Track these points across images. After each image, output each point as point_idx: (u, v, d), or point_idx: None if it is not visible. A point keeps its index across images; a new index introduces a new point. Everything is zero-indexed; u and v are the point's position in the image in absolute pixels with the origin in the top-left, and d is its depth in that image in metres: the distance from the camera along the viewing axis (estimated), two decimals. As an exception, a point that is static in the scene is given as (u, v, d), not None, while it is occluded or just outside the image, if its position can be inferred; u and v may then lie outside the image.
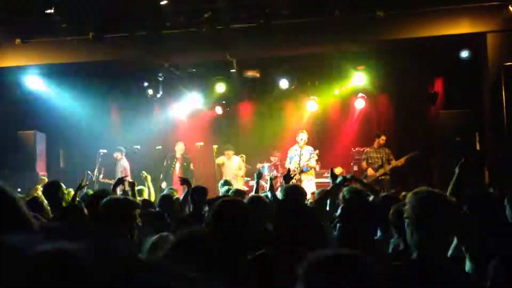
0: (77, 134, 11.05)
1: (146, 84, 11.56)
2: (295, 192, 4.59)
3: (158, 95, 12.07)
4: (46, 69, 9.90)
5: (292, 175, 6.43)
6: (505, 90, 8.01)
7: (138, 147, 10.54)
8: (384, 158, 9.48)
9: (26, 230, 1.46)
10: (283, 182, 5.30)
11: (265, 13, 8.49)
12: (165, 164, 10.39)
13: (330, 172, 4.94)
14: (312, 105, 11.82)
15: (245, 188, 10.30)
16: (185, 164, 10.29)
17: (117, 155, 10.39)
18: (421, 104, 11.56)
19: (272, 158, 10.98)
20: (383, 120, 12.09)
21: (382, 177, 9.42)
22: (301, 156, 9.41)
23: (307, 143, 9.64)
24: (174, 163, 10.25)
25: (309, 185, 8.97)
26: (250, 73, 10.94)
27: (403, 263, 2.36)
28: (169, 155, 10.45)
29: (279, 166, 10.81)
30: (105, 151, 10.22)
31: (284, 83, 11.03)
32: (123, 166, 10.24)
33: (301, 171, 9.35)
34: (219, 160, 10.37)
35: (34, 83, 10.29)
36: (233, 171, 10.31)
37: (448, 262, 2.36)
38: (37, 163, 9.87)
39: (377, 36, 8.85)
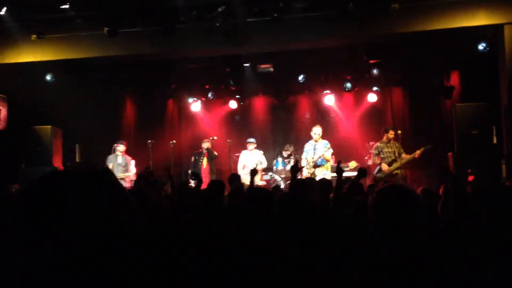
0: (93, 129, 11.14)
1: (160, 78, 11.64)
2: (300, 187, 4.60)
3: (173, 90, 12.16)
4: (62, 64, 9.99)
5: (299, 167, 6.39)
6: (522, 82, 7.89)
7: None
8: (396, 152, 9.41)
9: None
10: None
11: (279, 6, 8.46)
12: (192, 160, 10.78)
13: (336, 166, 4.51)
14: (327, 99, 11.79)
15: (263, 183, 10.36)
16: (211, 157, 10.65)
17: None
18: (437, 98, 11.46)
19: (284, 153, 10.96)
20: (398, 114, 12.00)
21: (396, 171, 9.36)
22: (315, 150, 9.41)
23: (322, 137, 9.60)
24: (202, 159, 10.68)
25: (323, 174, 8.95)
26: (264, 67, 10.94)
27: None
28: (195, 152, 10.80)
29: (292, 160, 10.79)
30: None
31: (298, 77, 11.00)
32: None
33: (315, 165, 9.31)
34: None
35: (50, 78, 10.39)
36: (253, 164, 10.36)
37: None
38: (54, 158, 9.97)
39: (392, 29, 8.76)
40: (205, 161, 10.69)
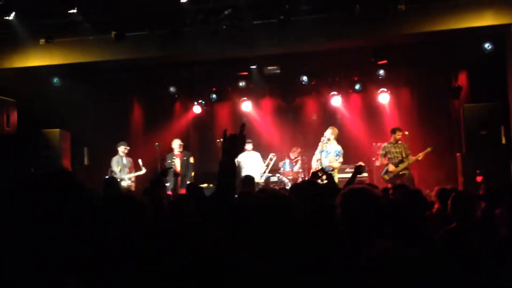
0: (101, 132, 11.20)
1: (167, 81, 11.68)
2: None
3: (180, 93, 12.21)
4: (70, 68, 10.06)
5: (320, 174, 6.34)
6: (531, 82, 7.84)
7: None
8: (403, 153, 9.39)
9: None
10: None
11: (285, 9, 8.47)
12: (166, 163, 10.28)
13: (356, 166, 4.75)
14: (334, 100, 11.77)
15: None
16: (184, 158, 10.25)
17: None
18: (445, 98, 11.41)
19: (291, 155, 10.95)
20: (406, 115, 11.96)
21: (403, 171, 9.34)
22: (327, 153, 9.21)
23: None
24: (173, 160, 10.22)
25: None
26: (271, 69, 10.94)
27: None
28: (167, 155, 10.35)
29: (299, 161, 10.78)
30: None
31: (305, 79, 10.99)
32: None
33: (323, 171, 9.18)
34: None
35: (57, 82, 10.47)
36: (253, 164, 10.33)
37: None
38: (62, 161, 10.04)
39: (399, 30, 8.73)
40: (177, 162, 10.28)
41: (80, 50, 9.59)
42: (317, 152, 9.41)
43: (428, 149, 9.25)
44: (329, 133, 9.27)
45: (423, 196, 3.36)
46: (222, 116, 13.24)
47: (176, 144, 10.33)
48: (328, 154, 9.22)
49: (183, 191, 9.77)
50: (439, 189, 5.03)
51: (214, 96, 12.10)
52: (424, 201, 3.34)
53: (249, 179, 6.92)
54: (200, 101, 12.54)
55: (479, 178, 8.53)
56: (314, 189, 4.63)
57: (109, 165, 10.16)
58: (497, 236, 3.08)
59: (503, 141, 8.78)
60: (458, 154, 9.77)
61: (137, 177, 10.23)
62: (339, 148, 9.17)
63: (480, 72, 10.08)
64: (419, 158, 9.25)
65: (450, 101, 11.29)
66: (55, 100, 10.25)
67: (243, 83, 11.40)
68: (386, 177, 9.47)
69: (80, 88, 10.62)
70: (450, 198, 3.66)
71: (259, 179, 10.19)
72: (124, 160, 10.16)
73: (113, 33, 8.79)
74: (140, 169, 10.12)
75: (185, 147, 10.74)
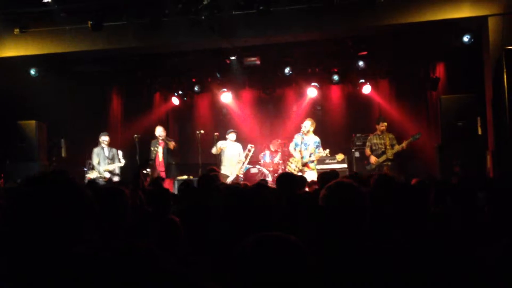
0: (79, 124, 11.06)
1: (146, 72, 11.55)
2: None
3: (159, 83, 12.09)
4: (46, 58, 9.86)
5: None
6: (506, 74, 7.93)
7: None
8: (387, 144, 9.47)
9: None
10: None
11: (265, -1, 8.42)
12: (151, 151, 10.23)
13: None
14: (312, 92, 11.80)
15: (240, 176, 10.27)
16: (166, 147, 10.14)
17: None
18: (423, 89, 11.54)
19: (271, 146, 10.96)
20: (385, 106, 12.07)
21: (385, 163, 9.42)
22: (305, 145, 9.27)
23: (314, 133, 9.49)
24: (156, 147, 10.14)
25: (311, 175, 8.94)
26: (250, 60, 10.90)
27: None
28: (153, 141, 10.28)
29: (279, 153, 10.80)
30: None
31: (284, 70, 10.98)
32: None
33: (305, 164, 9.23)
34: (221, 144, 10.20)
35: (34, 72, 10.26)
36: (235, 156, 10.28)
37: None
38: (39, 153, 9.88)
39: (378, 21, 8.76)
40: (160, 152, 10.21)
41: (56, 40, 9.40)
42: (292, 144, 9.47)
43: (412, 137, 9.34)
44: (309, 124, 9.32)
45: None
46: (202, 107, 13.19)
47: (159, 131, 10.24)
48: (308, 146, 9.27)
49: (167, 181, 9.72)
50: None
51: (196, 88, 12.01)
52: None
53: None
54: (179, 92, 12.45)
55: (457, 168, 8.66)
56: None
57: (86, 157, 10.04)
58: (478, 223, 3.12)
59: (480, 132, 8.91)
60: (435, 144, 9.90)
61: (122, 168, 10.08)
62: (317, 139, 9.29)
63: (457, 63, 10.22)
64: (404, 147, 9.33)
65: (428, 92, 11.41)
66: (31, 91, 10.05)
67: (222, 74, 11.34)
68: (368, 168, 9.58)
69: (57, 79, 10.45)
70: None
71: (238, 170, 10.18)
72: (106, 151, 10.02)
73: (90, 22, 8.63)
74: (119, 161, 10.02)
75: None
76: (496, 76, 8.29)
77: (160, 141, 10.18)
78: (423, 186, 3.63)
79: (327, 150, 9.20)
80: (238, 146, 10.38)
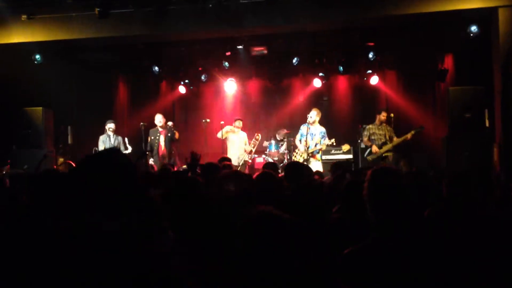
0: (85, 111, 11.07)
1: (153, 60, 11.53)
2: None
3: (166, 71, 12.07)
4: (53, 45, 9.86)
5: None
6: (516, 66, 7.87)
7: None
8: (387, 135, 9.43)
9: None
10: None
11: (273, -12, 8.36)
12: (149, 140, 10.16)
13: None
14: (317, 82, 11.75)
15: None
16: (169, 134, 10.05)
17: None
18: (431, 81, 11.45)
19: (277, 136, 10.94)
20: (392, 97, 12.01)
21: (386, 153, 9.38)
22: (311, 136, 9.26)
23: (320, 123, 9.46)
24: (157, 136, 10.09)
25: (316, 165, 8.93)
26: (258, 50, 10.85)
27: (360, 247, 2.19)
28: (151, 130, 10.21)
29: (285, 143, 10.78)
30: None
31: (292, 60, 10.92)
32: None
33: (311, 155, 9.21)
34: (227, 129, 10.19)
35: (39, 58, 10.25)
36: (241, 144, 10.29)
37: (413, 240, 2.16)
38: (45, 140, 9.90)
39: (386, 11, 8.68)
40: (162, 141, 10.10)
41: (63, 27, 9.38)
42: (298, 135, 9.46)
43: (416, 129, 9.28)
44: (315, 114, 9.29)
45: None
46: (208, 96, 13.18)
47: (158, 119, 10.20)
48: (314, 136, 9.26)
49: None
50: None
51: (203, 77, 11.98)
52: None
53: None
54: (186, 81, 12.43)
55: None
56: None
57: (93, 144, 10.07)
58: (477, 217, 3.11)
59: (487, 124, 8.84)
60: (442, 136, 9.84)
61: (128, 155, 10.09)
62: (323, 129, 9.29)
63: (466, 55, 10.11)
64: (408, 138, 9.27)
65: (436, 83, 11.33)
66: (38, 78, 10.05)
67: (229, 64, 11.30)
68: (370, 158, 9.52)
69: (64, 66, 10.45)
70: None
71: (241, 158, 10.17)
72: (112, 139, 10.05)
73: (97, 9, 8.61)
74: (126, 148, 10.04)
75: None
76: (505, 68, 8.21)
77: (160, 129, 10.15)
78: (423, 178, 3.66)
79: (333, 139, 9.19)
80: (244, 134, 10.38)
